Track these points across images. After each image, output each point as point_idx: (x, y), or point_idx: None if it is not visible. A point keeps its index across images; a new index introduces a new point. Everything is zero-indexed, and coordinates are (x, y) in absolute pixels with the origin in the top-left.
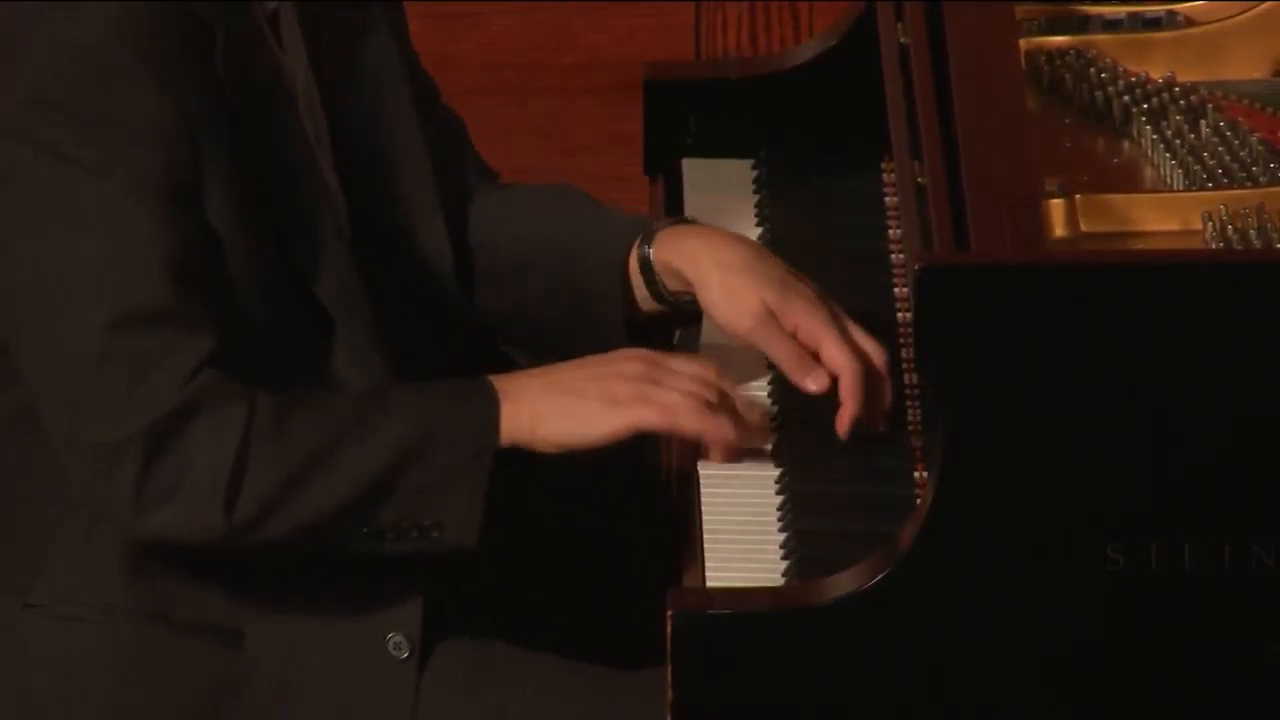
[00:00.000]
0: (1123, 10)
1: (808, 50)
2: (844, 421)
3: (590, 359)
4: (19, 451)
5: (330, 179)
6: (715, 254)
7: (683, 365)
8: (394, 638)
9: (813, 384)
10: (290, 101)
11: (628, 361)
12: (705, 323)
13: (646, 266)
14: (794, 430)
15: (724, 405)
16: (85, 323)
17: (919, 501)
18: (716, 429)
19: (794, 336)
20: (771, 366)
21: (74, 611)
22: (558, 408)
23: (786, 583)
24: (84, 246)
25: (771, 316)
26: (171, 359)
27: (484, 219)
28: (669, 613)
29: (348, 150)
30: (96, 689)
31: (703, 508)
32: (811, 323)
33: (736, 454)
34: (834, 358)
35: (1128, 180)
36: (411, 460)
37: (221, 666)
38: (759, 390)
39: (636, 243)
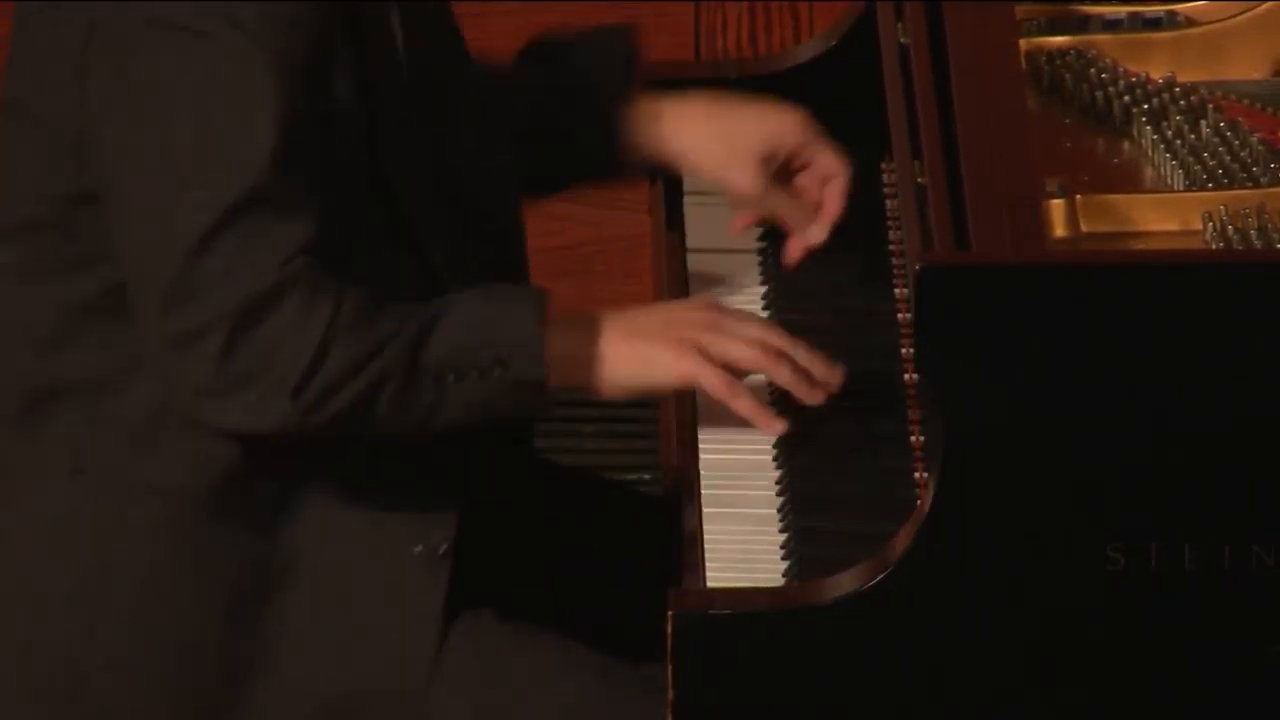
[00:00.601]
0: (1123, 10)
1: (808, 50)
2: (822, 220)
3: (658, 305)
4: (105, 323)
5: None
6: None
7: (746, 319)
8: (430, 540)
9: (802, 222)
10: (390, 32)
11: (693, 309)
12: None
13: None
14: (794, 430)
15: (783, 356)
16: (190, 210)
17: (919, 501)
18: (759, 414)
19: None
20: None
21: (125, 488)
22: (626, 354)
23: (786, 583)
24: (201, 125)
25: (757, 156)
26: (268, 243)
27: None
28: (669, 613)
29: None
30: (137, 563)
31: (703, 508)
32: (799, 139)
33: (779, 425)
34: (828, 164)
35: (1128, 180)
36: (464, 309)
37: (261, 561)
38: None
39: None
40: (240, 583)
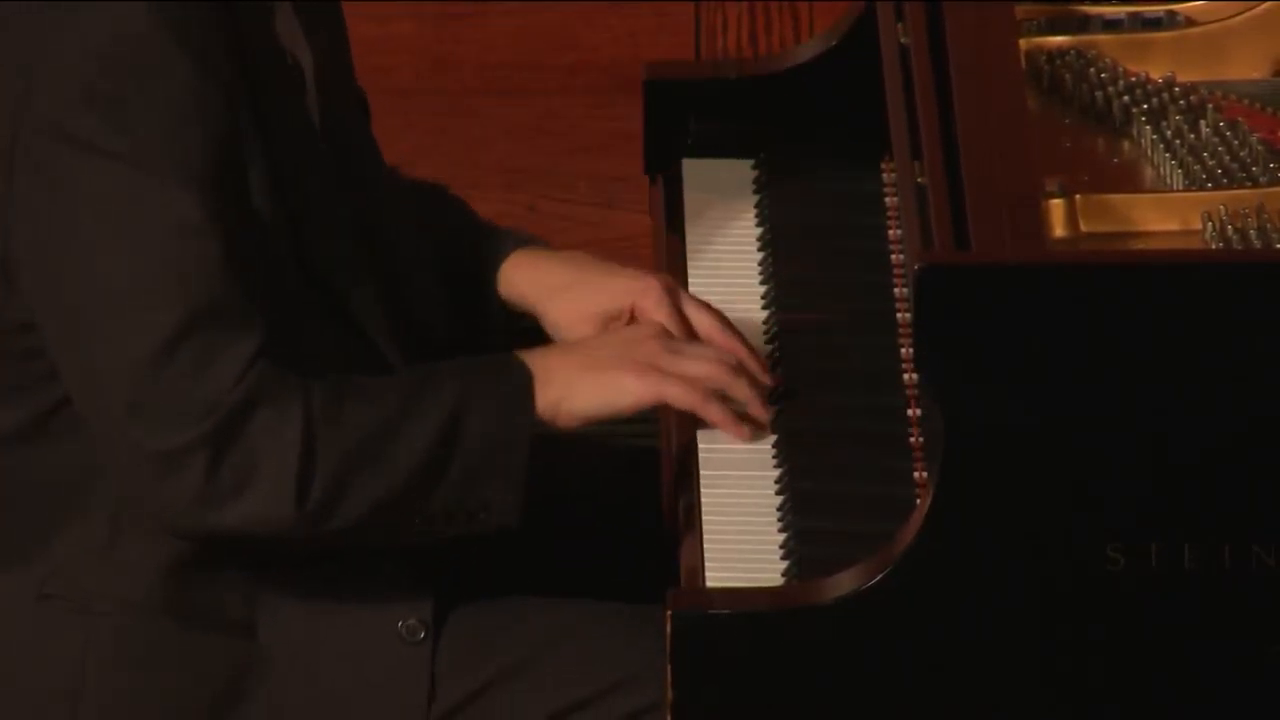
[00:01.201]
0: (1123, 10)
1: (808, 50)
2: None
3: (609, 333)
4: (42, 449)
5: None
6: (540, 279)
7: (696, 342)
8: (407, 622)
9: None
10: (300, 88)
11: (647, 335)
12: None
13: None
14: (794, 430)
15: (741, 371)
16: (145, 330)
17: (919, 501)
18: (729, 423)
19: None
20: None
21: (91, 605)
22: (583, 383)
23: (786, 583)
24: (137, 251)
25: (605, 315)
26: (229, 354)
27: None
28: (669, 613)
29: (333, 139)
30: (112, 683)
31: (703, 508)
32: (645, 302)
33: (748, 433)
34: (699, 321)
35: (1128, 180)
36: (456, 445)
37: (236, 659)
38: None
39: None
40: (215, 684)
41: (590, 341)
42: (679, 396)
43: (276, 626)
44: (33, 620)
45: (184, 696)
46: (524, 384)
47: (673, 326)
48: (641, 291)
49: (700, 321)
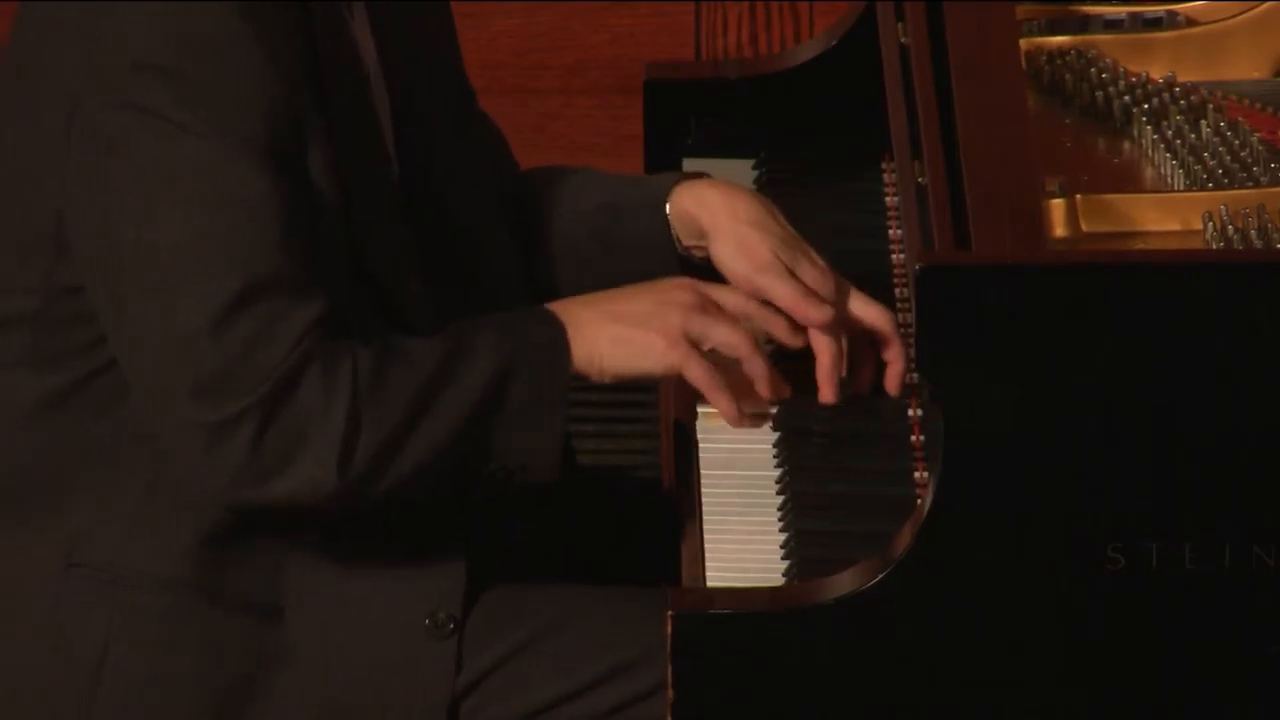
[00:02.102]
0: (1123, 10)
1: (808, 50)
2: (822, 385)
3: (643, 286)
4: (81, 415)
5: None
6: (731, 206)
7: (727, 296)
8: (437, 615)
9: (819, 315)
10: (365, 84)
11: (679, 290)
12: None
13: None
14: (794, 430)
15: (761, 351)
16: (203, 298)
17: (919, 501)
18: (731, 411)
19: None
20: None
21: (119, 576)
22: (618, 340)
23: (786, 583)
24: (197, 217)
25: (780, 264)
26: (287, 323)
27: (523, 203)
28: (669, 613)
29: (406, 136)
30: (136, 656)
31: (703, 508)
32: (816, 282)
33: (746, 424)
34: (865, 312)
35: (1128, 180)
36: (496, 408)
37: (259, 642)
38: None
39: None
40: (236, 665)
41: (623, 293)
42: (698, 378)
43: (304, 613)
44: (60, 588)
45: (204, 675)
46: (560, 342)
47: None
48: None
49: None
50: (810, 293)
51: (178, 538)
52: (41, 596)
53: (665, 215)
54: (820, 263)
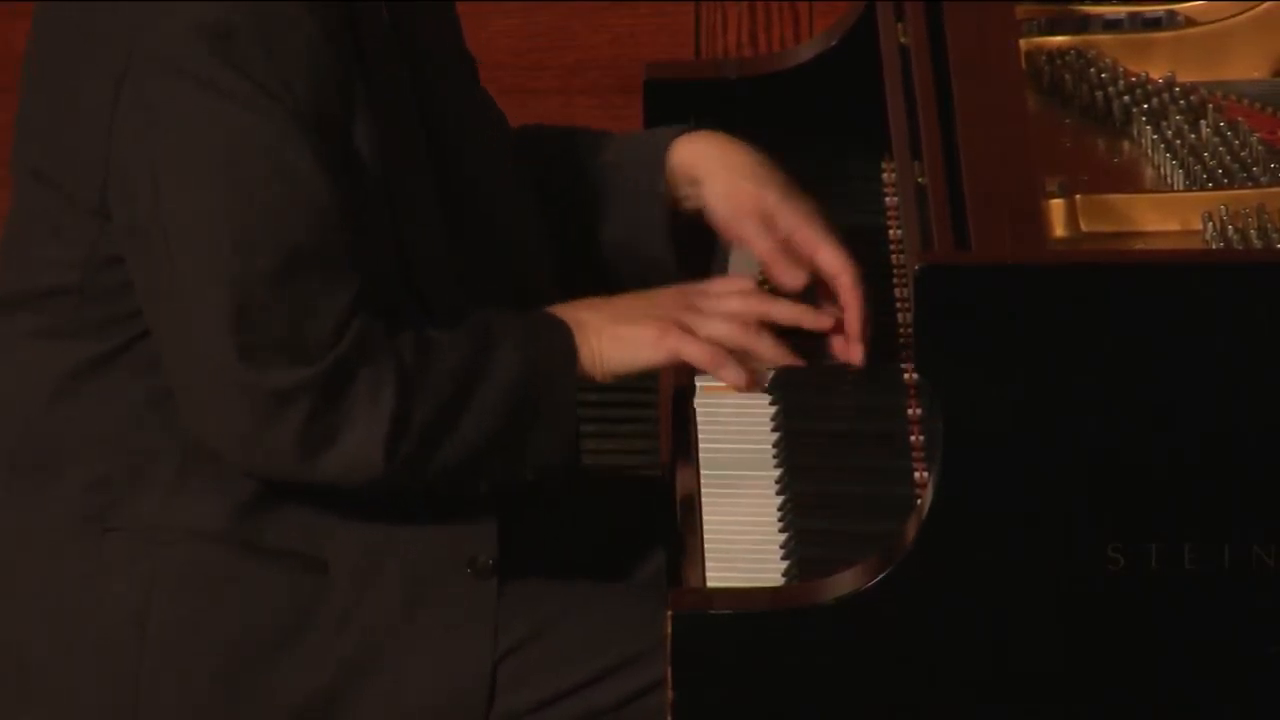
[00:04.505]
0: (1123, 10)
1: (808, 50)
2: (853, 326)
3: (639, 292)
4: (120, 384)
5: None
6: (724, 155)
7: (723, 288)
8: (477, 558)
9: (791, 280)
10: (403, 75)
11: (672, 293)
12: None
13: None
14: (794, 430)
15: (762, 328)
16: (247, 267)
17: (919, 501)
18: (739, 378)
19: (789, 240)
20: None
21: (158, 534)
22: (614, 338)
23: (786, 583)
24: (244, 187)
25: (766, 216)
26: (328, 301)
27: (524, 159)
28: (669, 613)
29: (434, 128)
30: (177, 608)
31: (703, 508)
32: (809, 230)
33: (755, 383)
34: (830, 262)
35: (1128, 180)
36: (517, 411)
37: (302, 591)
38: (760, 401)
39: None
40: (281, 614)
41: (622, 299)
42: (697, 355)
43: (344, 562)
44: (99, 548)
45: (250, 623)
46: (569, 345)
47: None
48: (804, 223)
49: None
50: (788, 252)
51: (216, 497)
52: (82, 558)
53: (662, 168)
54: (812, 206)
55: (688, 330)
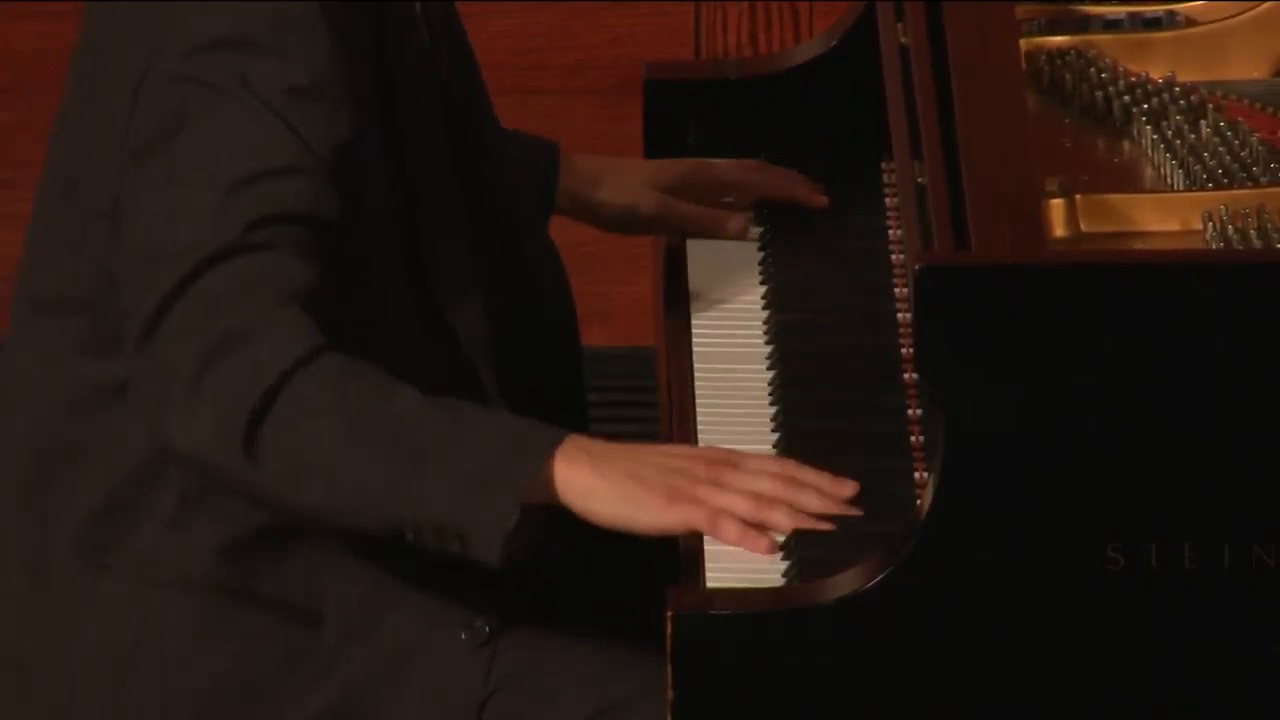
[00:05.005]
0: (1123, 10)
1: (808, 50)
2: (786, 182)
3: (665, 448)
4: (124, 415)
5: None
6: (610, 161)
7: (759, 466)
8: (476, 624)
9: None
10: (434, 87)
11: (698, 462)
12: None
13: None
14: (794, 430)
15: (798, 499)
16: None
17: (919, 501)
18: (752, 541)
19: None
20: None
21: (152, 577)
22: (615, 488)
23: (786, 583)
24: (217, 179)
25: (676, 188)
26: (282, 273)
27: None
28: (669, 613)
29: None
30: (164, 655)
31: None
32: (705, 170)
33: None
34: (731, 170)
35: (1128, 180)
36: (441, 461)
37: (292, 643)
38: (759, 402)
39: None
40: (269, 666)
41: (648, 451)
42: (706, 527)
43: (341, 620)
44: (92, 584)
45: (236, 671)
46: (545, 451)
47: None
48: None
49: None
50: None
51: (211, 542)
52: (75, 590)
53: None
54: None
55: (699, 501)
